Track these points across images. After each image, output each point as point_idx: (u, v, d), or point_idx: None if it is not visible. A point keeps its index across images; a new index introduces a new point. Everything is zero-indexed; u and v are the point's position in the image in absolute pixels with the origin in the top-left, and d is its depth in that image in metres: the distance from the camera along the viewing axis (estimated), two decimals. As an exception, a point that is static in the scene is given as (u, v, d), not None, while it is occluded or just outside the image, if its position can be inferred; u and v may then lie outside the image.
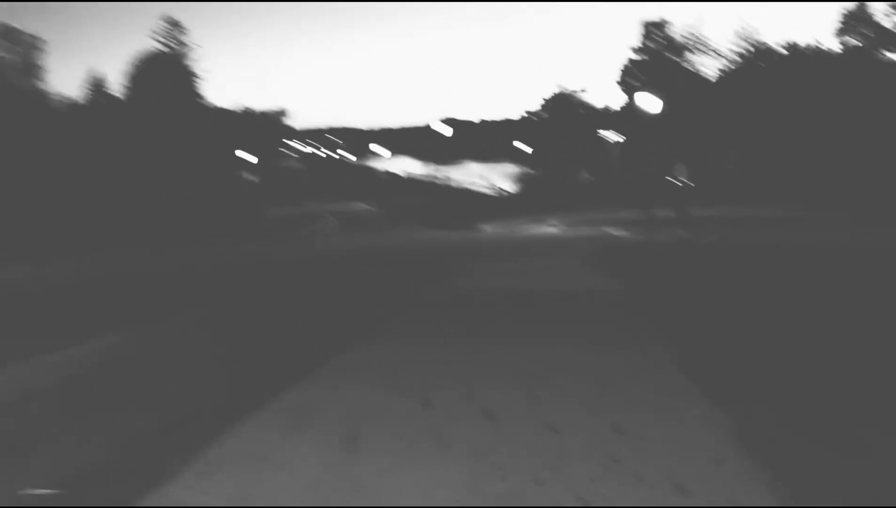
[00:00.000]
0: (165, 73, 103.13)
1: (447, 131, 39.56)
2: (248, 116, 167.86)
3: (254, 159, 70.82)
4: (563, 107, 68.20)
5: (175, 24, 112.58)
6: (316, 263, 19.43)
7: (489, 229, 33.99)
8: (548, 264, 16.18)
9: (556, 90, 70.41)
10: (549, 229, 32.18)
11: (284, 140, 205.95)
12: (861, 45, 43.82)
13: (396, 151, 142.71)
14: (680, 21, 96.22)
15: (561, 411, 5.66)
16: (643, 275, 14.01)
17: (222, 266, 19.67)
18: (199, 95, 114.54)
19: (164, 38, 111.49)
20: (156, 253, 25.57)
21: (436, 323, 9.36)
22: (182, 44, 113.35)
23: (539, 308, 10.24)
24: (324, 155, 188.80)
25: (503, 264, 16.32)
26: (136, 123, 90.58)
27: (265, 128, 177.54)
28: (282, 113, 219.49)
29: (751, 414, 5.43)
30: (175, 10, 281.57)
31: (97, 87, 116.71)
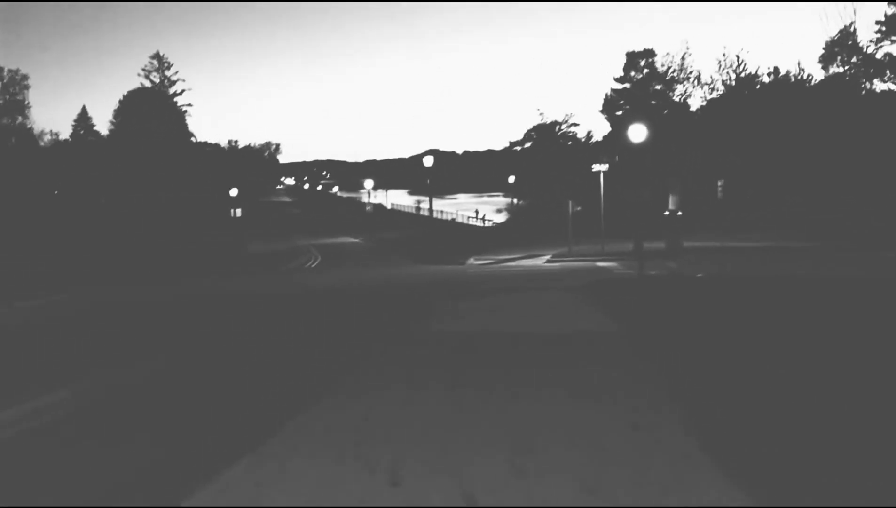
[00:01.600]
0: (153, 109, 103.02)
1: (429, 162, 38.92)
2: (235, 150, 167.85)
3: (238, 194, 69.95)
4: (548, 137, 68.06)
5: (163, 61, 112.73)
6: (289, 300, 18.50)
7: (477, 261, 33.21)
8: (537, 301, 15.36)
9: (540, 120, 70.31)
10: (538, 261, 31.43)
11: (272, 174, 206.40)
12: (845, 72, 43.71)
13: (384, 183, 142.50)
14: (664, 50, 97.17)
15: (555, 489, 4.78)
16: (638, 313, 13.19)
17: (195, 302, 18.70)
18: (186, 130, 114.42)
19: (152, 74, 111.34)
20: (127, 290, 24.59)
21: (412, 373, 8.48)
22: (170, 80, 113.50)
23: (528, 354, 9.38)
24: (311, 188, 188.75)
25: (489, 301, 15.47)
26: (122, 159, 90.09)
27: (252, 162, 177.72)
28: (270, 147, 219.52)
29: (778, 493, 4.57)
30: (165, 47, 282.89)
31: (84, 123, 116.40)
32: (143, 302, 20.44)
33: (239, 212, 61.15)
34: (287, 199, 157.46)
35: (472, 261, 33.66)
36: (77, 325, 15.72)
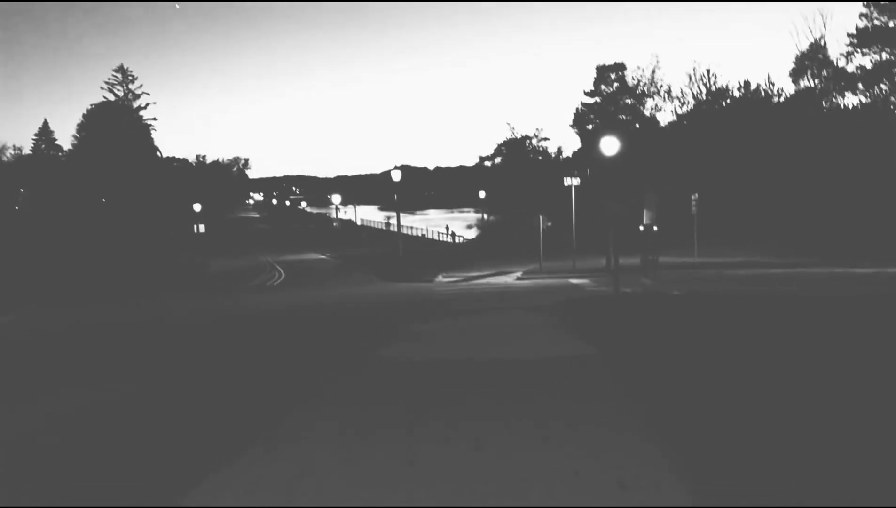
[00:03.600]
0: (117, 123, 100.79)
1: (397, 176, 37.89)
2: (203, 165, 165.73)
3: (204, 209, 68.10)
4: (518, 151, 67.44)
5: (127, 75, 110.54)
6: (238, 324, 17.20)
7: (445, 279, 32.15)
8: (507, 322, 14.31)
9: (511, 135, 69.67)
10: (508, 278, 30.45)
11: (240, 189, 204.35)
12: (816, 86, 43.49)
13: (354, 198, 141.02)
14: (634, 64, 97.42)
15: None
16: (615, 335, 12.17)
17: (131, 325, 17.36)
18: (152, 145, 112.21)
19: (115, 88, 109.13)
20: (74, 311, 23.14)
21: (363, 411, 7.34)
22: (134, 94, 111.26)
23: (497, 387, 8.28)
24: (280, 204, 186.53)
25: (456, 323, 14.39)
26: (85, 175, 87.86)
27: (221, 177, 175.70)
28: (238, 162, 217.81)
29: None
30: (130, 61, 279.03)
31: (46, 138, 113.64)
32: (80, 323, 19.06)
33: (202, 228, 59.41)
34: (255, 214, 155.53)
35: (440, 278, 32.58)
36: None
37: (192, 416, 7.57)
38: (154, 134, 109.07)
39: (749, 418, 6.53)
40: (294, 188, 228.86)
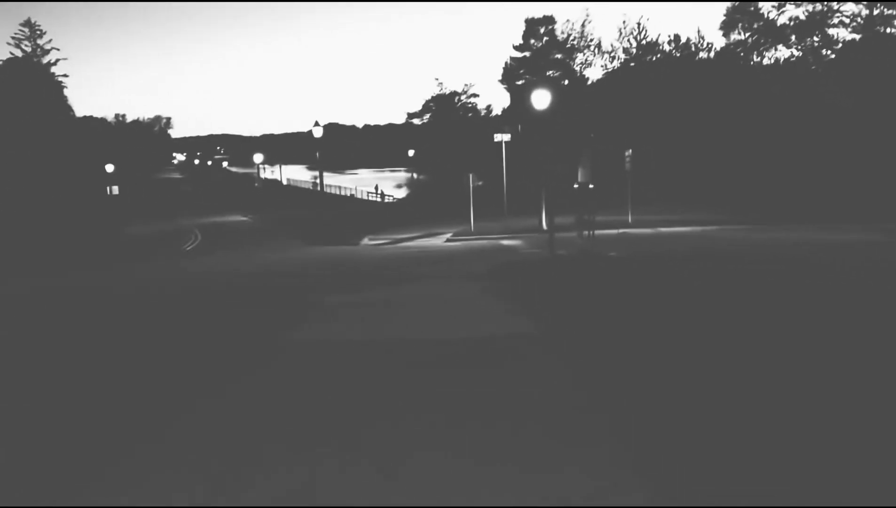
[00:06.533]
0: (24, 80, 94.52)
1: (318, 133, 35.72)
2: (122, 125, 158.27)
3: (122, 170, 64.28)
4: (448, 108, 65.83)
5: (35, 29, 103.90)
6: (128, 300, 15.26)
7: (372, 242, 30.62)
8: (436, 292, 12.97)
9: (439, 91, 67.91)
10: (437, 240, 29.15)
11: (163, 149, 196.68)
12: (746, 39, 42.94)
13: (282, 158, 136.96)
14: (564, 17, 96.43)
15: None
16: (556, 306, 10.98)
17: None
18: (64, 104, 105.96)
19: (23, 43, 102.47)
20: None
21: (251, 420, 5.89)
22: (43, 49, 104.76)
23: (420, 381, 6.93)
24: (202, 164, 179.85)
25: (379, 294, 12.97)
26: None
27: (142, 137, 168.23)
28: (160, 121, 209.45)
29: None
30: (39, 16, 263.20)
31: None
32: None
33: (116, 189, 55.99)
34: (178, 175, 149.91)
35: (366, 241, 31.03)
36: None
37: (42, 430, 5.94)
38: (68, 92, 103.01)
39: (704, 403, 5.34)
40: (218, 148, 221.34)
